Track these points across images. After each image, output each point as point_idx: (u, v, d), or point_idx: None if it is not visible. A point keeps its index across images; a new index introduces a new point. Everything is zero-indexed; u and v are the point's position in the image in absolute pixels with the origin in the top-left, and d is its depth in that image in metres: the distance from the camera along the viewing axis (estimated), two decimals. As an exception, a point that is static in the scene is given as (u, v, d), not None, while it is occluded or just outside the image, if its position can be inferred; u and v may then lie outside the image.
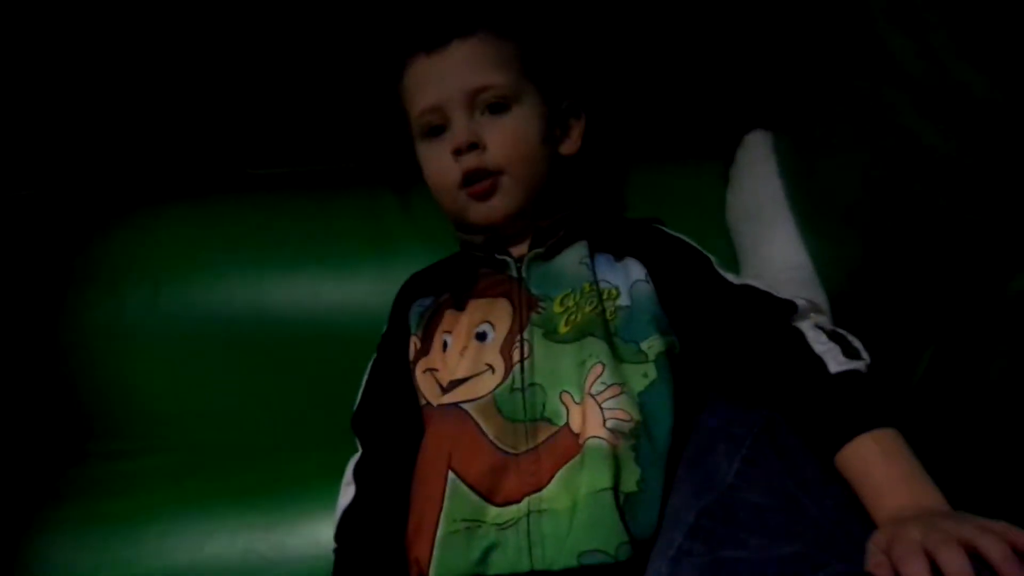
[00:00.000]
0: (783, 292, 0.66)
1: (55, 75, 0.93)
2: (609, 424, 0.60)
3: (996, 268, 0.58)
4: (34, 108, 0.96)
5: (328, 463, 0.73)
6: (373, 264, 0.91)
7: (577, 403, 0.62)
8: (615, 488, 0.57)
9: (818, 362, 0.58)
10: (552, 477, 0.59)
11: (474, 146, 0.71)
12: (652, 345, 0.65)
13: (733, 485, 0.53)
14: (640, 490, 0.58)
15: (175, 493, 0.82)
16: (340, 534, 0.67)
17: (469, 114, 0.71)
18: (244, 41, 0.92)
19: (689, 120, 0.94)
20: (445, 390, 0.67)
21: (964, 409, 0.60)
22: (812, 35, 0.76)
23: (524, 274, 0.72)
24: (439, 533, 0.60)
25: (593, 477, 0.58)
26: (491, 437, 0.62)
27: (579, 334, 0.66)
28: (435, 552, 0.59)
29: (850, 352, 0.59)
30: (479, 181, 0.71)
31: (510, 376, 0.65)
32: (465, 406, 0.64)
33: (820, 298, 0.74)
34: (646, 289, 0.69)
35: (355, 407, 0.74)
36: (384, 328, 0.79)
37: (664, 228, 0.76)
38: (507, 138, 0.71)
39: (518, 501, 0.59)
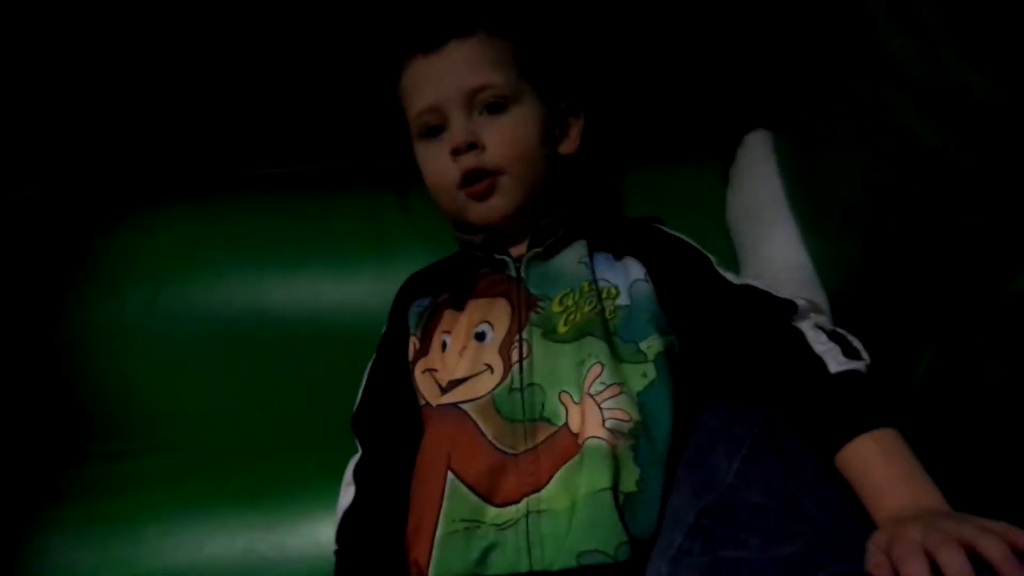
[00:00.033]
0: (783, 292, 0.66)
1: (55, 75, 0.94)
2: (608, 424, 0.60)
3: (996, 268, 0.58)
4: (34, 108, 0.96)
5: (328, 463, 0.73)
6: (373, 264, 0.91)
7: (576, 403, 0.62)
8: (614, 488, 0.57)
9: (818, 362, 0.58)
10: (551, 477, 0.59)
11: (472, 146, 0.71)
12: (651, 345, 0.65)
13: (733, 485, 0.53)
14: (639, 490, 0.58)
15: (175, 493, 0.82)
16: (340, 536, 0.67)
17: (467, 114, 0.71)
18: (243, 41, 0.92)
19: (689, 120, 0.94)
20: (444, 390, 0.67)
21: (964, 409, 0.60)
22: (812, 35, 0.75)
23: (523, 274, 0.72)
24: (438, 534, 0.60)
25: (592, 477, 0.58)
26: (490, 437, 0.62)
27: (578, 334, 0.66)
28: (434, 552, 0.59)
29: (850, 352, 0.59)
30: (478, 181, 0.71)
31: (509, 376, 0.65)
32: (464, 406, 0.64)
33: (820, 298, 0.74)
34: (645, 288, 0.69)
35: (354, 408, 0.74)
36: (384, 328, 0.79)
37: (664, 228, 0.76)
38: (505, 138, 0.71)
39: (517, 501, 0.59)
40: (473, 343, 0.68)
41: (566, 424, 0.61)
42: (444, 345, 0.70)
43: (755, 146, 0.88)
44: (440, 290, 0.76)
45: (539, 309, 0.69)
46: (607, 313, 0.67)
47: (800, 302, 0.64)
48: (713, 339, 0.66)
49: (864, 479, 0.52)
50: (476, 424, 0.63)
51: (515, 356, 0.66)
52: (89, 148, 0.98)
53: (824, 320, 0.65)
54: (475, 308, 0.71)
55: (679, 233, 0.75)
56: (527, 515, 0.58)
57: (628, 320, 0.67)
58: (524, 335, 0.67)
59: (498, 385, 0.65)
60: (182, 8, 0.90)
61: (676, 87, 0.93)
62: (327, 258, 0.92)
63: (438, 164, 0.73)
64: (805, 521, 0.50)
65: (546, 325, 0.67)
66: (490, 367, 0.66)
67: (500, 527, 0.59)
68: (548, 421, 0.62)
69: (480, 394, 0.65)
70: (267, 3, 0.89)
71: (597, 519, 0.56)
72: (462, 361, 0.67)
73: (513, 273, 0.72)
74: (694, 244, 0.73)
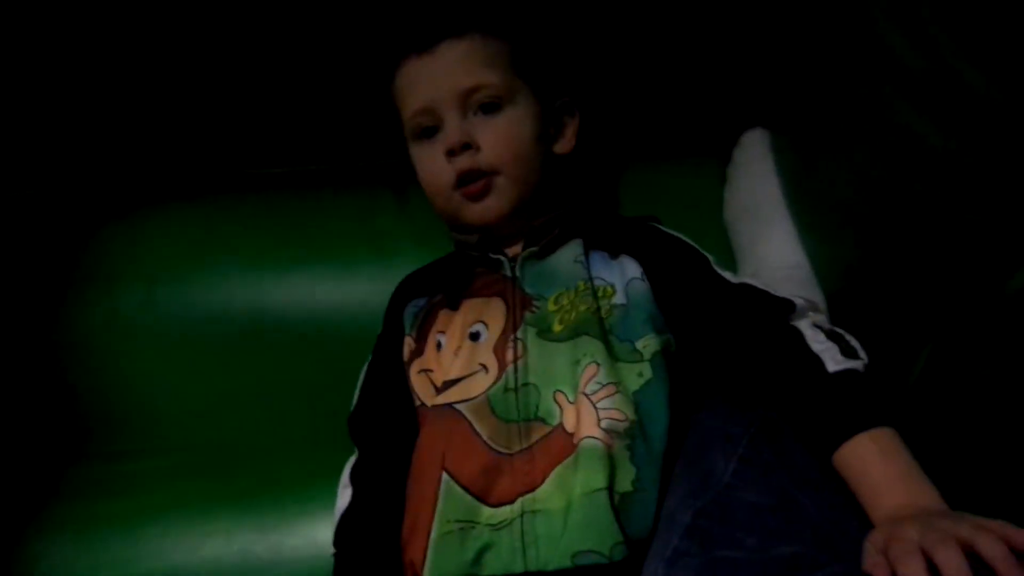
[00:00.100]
0: (781, 291, 0.65)
1: (52, 75, 0.94)
2: (604, 424, 0.60)
3: (994, 267, 0.58)
4: (31, 108, 0.96)
5: (326, 464, 0.73)
6: (370, 264, 0.91)
7: (571, 403, 0.62)
8: (610, 488, 0.57)
9: (816, 361, 0.58)
10: (546, 477, 0.59)
11: (467, 147, 0.70)
12: (647, 344, 0.65)
13: (730, 484, 0.53)
14: (635, 490, 0.58)
15: (173, 493, 0.82)
16: (338, 538, 0.67)
17: (461, 114, 0.71)
18: (239, 40, 0.92)
19: (686, 118, 0.94)
20: (439, 390, 0.67)
21: (961, 408, 0.60)
22: (810, 32, 0.75)
23: (518, 273, 0.71)
24: (433, 534, 0.60)
25: (587, 477, 0.57)
26: (485, 437, 0.62)
27: (573, 333, 0.66)
28: (429, 553, 0.59)
29: (848, 351, 0.59)
30: (473, 182, 0.71)
31: (504, 376, 0.65)
32: (459, 406, 0.64)
33: (818, 297, 0.74)
34: (642, 287, 0.69)
35: (351, 409, 0.74)
36: (380, 329, 0.79)
37: (660, 227, 0.76)
38: (500, 138, 0.71)
39: (512, 501, 0.59)
40: (468, 343, 0.68)
41: (561, 424, 0.61)
42: (439, 345, 0.70)
43: (752, 145, 0.88)
44: (435, 290, 0.76)
45: (534, 308, 0.68)
46: (603, 312, 0.67)
47: (798, 301, 0.63)
48: (710, 338, 0.66)
49: (861, 478, 0.52)
50: (471, 424, 0.63)
51: (510, 356, 0.66)
52: (86, 148, 0.98)
53: (822, 319, 0.65)
54: (470, 308, 0.71)
55: (676, 232, 0.74)
56: (522, 515, 0.58)
57: (624, 319, 0.67)
58: (519, 334, 0.67)
59: (493, 385, 0.65)
60: (179, 8, 0.90)
61: (672, 85, 0.93)
62: (324, 258, 0.92)
63: (433, 165, 0.73)
64: (802, 521, 0.50)
65: (541, 324, 0.67)
66: (485, 367, 0.66)
67: (495, 527, 0.58)
68: (543, 421, 0.62)
69: (475, 394, 0.65)
70: (263, 3, 0.89)
71: (592, 519, 0.56)
72: (457, 361, 0.67)
73: (508, 272, 0.72)
74: (691, 243, 0.73)
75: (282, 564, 0.77)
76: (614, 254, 0.71)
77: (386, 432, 0.70)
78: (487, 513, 0.59)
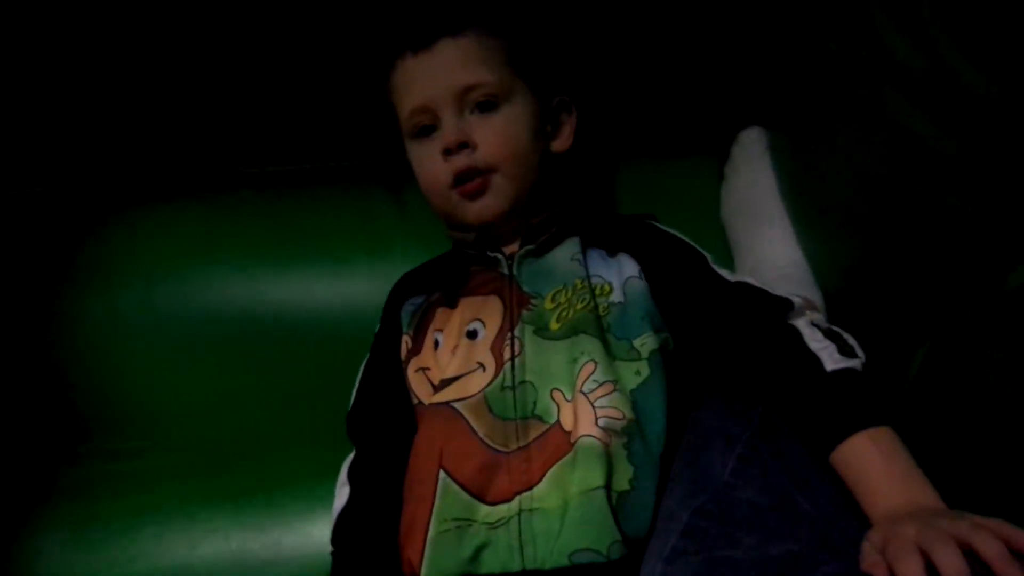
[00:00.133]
0: (778, 289, 0.65)
1: (49, 74, 0.94)
2: (601, 422, 0.60)
3: (992, 265, 0.58)
4: (28, 107, 0.96)
5: (323, 462, 0.73)
6: (367, 262, 0.91)
7: (568, 401, 0.62)
8: (607, 487, 0.57)
9: (814, 360, 0.58)
10: (543, 476, 0.59)
11: (464, 145, 0.70)
12: (645, 342, 0.65)
13: (728, 483, 0.53)
14: (633, 488, 0.57)
15: (169, 492, 0.81)
16: (336, 537, 0.67)
17: (458, 113, 0.71)
18: (236, 39, 0.92)
19: (684, 116, 0.94)
20: (436, 389, 0.67)
21: (959, 406, 0.60)
22: (809, 31, 0.75)
23: (515, 271, 0.71)
24: (430, 533, 0.60)
25: (585, 475, 0.57)
26: (482, 436, 0.62)
27: (571, 331, 0.66)
28: (426, 551, 0.59)
29: (845, 350, 0.58)
30: (470, 180, 0.71)
31: (501, 374, 0.65)
32: (456, 405, 0.64)
33: (815, 295, 0.74)
34: (639, 285, 0.69)
35: (349, 407, 0.74)
36: (377, 327, 0.78)
37: (658, 225, 0.76)
38: (497, 136, 0.71)
39: (509, 500, 0.59)
40: (465, 341, 0.68)
41: (558, 422, 0.61)
42: (436, 343, 0.70)
43: (750, 143, 0.88)
44: (433, 288, 0.76)
45: (531, 306, 0.68)
46: (600, 310, 0.67)
47: (796, 299, 0.63)
48: (708, 336, 0.65)
49: (859, 477, 0.52)
50: (468, 422, 0.63)
51: (507, 354, 0.65)
52: (83, 147, 0.98)
53: (820, 318, 0.65)
54: (467, 306, 0.71)
55: (674, 230, 0.74)
56: (519, 513, 0.58)
57: (622, 317, 0.67)
58: (516, 332, 0.66)
59: (490, 383, 0.64)
60: (176, 8, 0.90)
61: (670, 83, 0.93)
62: (321, 257, 0.92)
63: (430, 164, 0.73)
64: (801, 520, 0.50)
65: (538, 322, 0.67)
66: (482, 365, 0.66)
67: (492, 526, 0.58)
68: (540, 419, 0.62)
69: (472, 392, 0.64)
70: (260, 3, 0.89)
71: (590, 518, 0.56)
72: (454, 359, 0.67)
73: (505, 271, 0.72)
74: (689, 241, 0.72)
75: (280, 562, 0.77)
76: (612, 252, 0.71)
77: (384, 430, 0.70)
78: (484, 511, 0.59)
